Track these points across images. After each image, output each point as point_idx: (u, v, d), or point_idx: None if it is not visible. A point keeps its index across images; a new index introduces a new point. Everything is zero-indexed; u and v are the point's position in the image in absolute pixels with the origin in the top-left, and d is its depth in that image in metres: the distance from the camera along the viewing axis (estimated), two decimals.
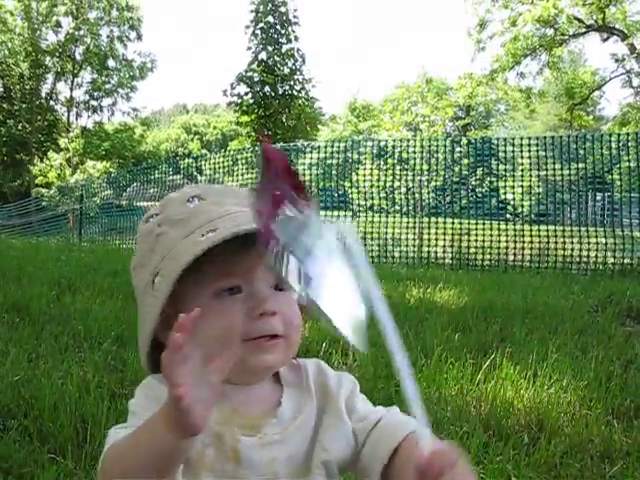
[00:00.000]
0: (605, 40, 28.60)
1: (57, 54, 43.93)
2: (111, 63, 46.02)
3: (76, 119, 47.17)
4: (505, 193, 13.05)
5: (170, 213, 1.06)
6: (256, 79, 26.49)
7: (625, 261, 9.90)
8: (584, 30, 28.51)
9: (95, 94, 46.52)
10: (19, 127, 43.15)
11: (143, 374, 1.09)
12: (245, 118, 26.79)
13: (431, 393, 3.08)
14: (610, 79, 35.21)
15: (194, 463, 0.96)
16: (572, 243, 10.20)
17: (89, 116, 47.60)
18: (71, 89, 46.16)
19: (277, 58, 26.96)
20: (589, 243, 10.18)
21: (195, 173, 17.76)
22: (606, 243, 10.18)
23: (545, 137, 11.68)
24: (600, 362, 3.72)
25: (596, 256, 10.01)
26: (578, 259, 10.05)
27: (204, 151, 52.44)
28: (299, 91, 27.31)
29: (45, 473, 2.07)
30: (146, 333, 1.02)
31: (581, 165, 11.64)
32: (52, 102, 46.06)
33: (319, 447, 1.03)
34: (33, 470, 2.11)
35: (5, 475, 2.06)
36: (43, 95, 45.15)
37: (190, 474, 0.96)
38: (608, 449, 2.58)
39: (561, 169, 11.48)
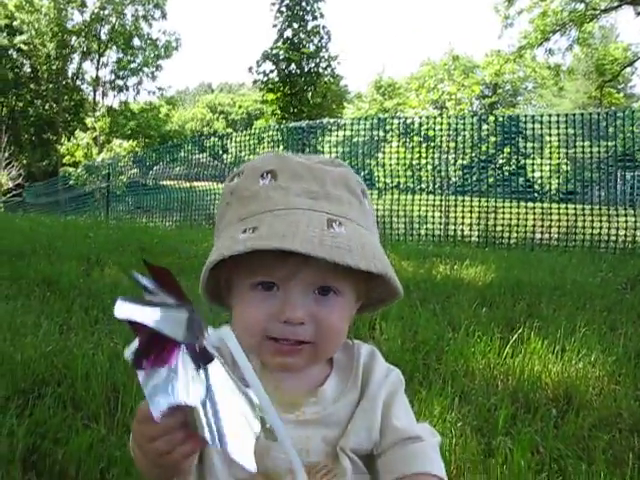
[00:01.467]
0: (639, 14, 27.88)
1: (83, 34, 44.22)
2: (136, 42, 46.29)
3: (102, 98, 47.65)
4: (532, 171, 12.87)
5: (241, 186, 1.04)
6: (282, 57, 26.35)
7: None
8: (617, 4, 27.82)
9: (120, 73, 46.88)
10: (46, 107, 43.65)
11: None
12: (271, 96, 26.72)
13: (458, 366, 3.08)
14: None
15: None
16: (600, 222, 10.06)
17: (115, 95, 48.09)
18: (97, 68, 46.58)
19: (302, 35, 26.80)
20: (617, 222, 10.03)
21: (220, 152, 17.76)
22: (635, 222, 10.01)
23: (574, 114, 11.43)
24: (629, 338, 3.69)
25: (625, 235, 9.87)
26: (606, 238, 9.91)
27: (229, 130, 52.52)
28: (325, 68, 27.15)
29: (79, 438, 2.12)
30: (204, 276, 1.01)
31: (610, 143, 11.43)
32: (78, 82, 46.57)
33: (347, 433, 1.02)
34: (68, 435, 2.16)
35: (42, 439, 2.11)
36: (69, 75, 45.59)
37: None
38: (637, 423, 2.56)
39: (590, 147, 11.28)
